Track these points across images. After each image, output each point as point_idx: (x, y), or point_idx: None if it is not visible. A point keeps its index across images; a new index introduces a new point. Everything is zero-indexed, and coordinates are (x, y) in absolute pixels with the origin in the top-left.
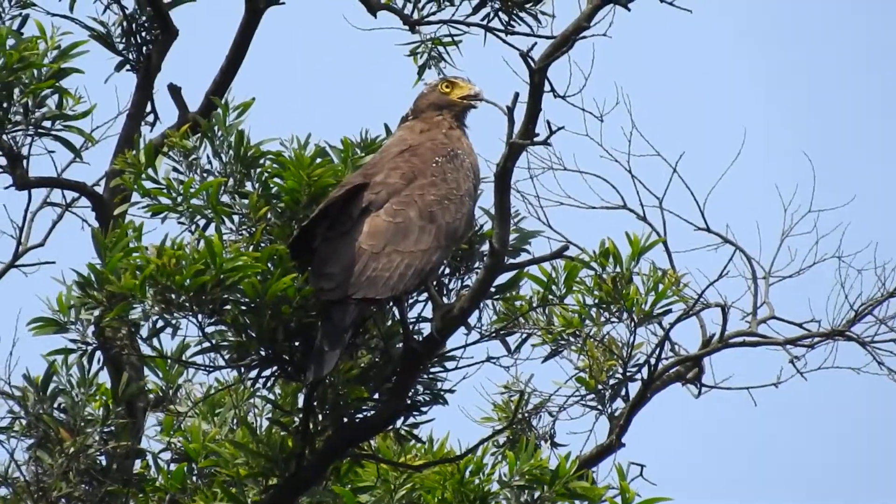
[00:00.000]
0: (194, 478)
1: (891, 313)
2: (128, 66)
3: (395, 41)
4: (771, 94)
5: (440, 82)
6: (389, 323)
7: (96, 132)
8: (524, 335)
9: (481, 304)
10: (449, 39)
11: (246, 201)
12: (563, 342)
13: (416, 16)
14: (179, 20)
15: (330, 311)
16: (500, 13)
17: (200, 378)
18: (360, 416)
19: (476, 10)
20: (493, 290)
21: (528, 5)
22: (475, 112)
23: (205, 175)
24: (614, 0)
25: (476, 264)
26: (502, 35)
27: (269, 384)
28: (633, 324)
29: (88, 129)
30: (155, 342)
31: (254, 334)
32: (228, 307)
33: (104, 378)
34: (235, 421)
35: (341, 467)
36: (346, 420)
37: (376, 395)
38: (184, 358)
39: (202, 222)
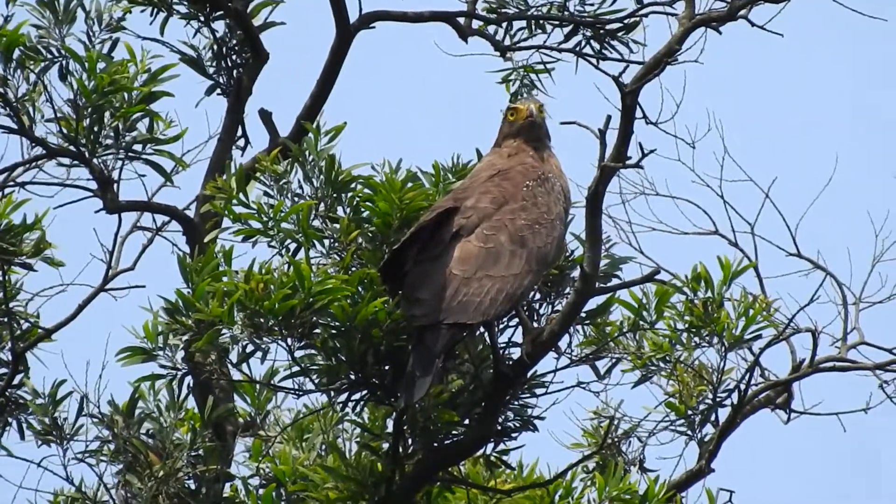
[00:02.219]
0: (283, 503)
1: None
2: (218, 90)
3: (487, 67)
4: (863, 119)
5: (507, 111)
6: (480, 347)
7: (187, 156)
8: (614, 360)
9: (571, 329)
10: (541, 66)
11: (336, 225)
12: (653, 367)
13: (507, 42)
14: (270, 44)
15: (421, 336)
16: (591, 41)
17: (289, 404)
18: (450, 440)
19: (568, 37)
20: (583, 314)
21: (619, 33)
22: (567, 136)
23: (295, 199)
24: (706, 24)
25: (566, 289)
26: (594, 61)
27: (358, 408)
28: (723, 349)
29: (179, 153)
30: (244, 367)
31: (343, 358)
32: (318, 331)
33: (192, 403)
34: (324, 446)
35: (431, 492)
36: (435, 444)
37: (466, 420)
38: (273, 382)
39: (293, 246)
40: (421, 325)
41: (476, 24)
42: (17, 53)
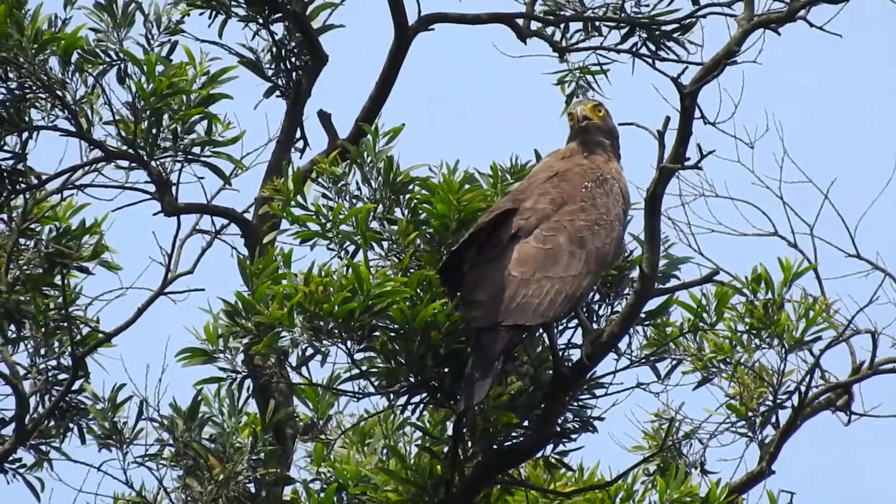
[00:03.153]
0: None
1: None
2: (277, 93)
3: (545, 69)
4: None
5: (568, 116)
6: (539, 349)
7: (246, 159)
8: (674, 361)
9: (631, 330)
10: (597, 68)
11: (395, 227)
12: (713, 369)
13: (564, 44)
14: (329, 46)
15: (480, 338)
16: (648, 42)
17: (350, 409)
18: (510, 442)
19: (624, 38)
20: (642, 315)
21: (676, 34)
22: (625, 137)
23: (354, 201)
24: (765, 25)
25: (626, 290)
26: (650, 62)
27: (417, 411)
28: (783, 350)
29: (238, 155)
30: (303, 370)
31: (403, 360)
32: (377, 333)
33: (252, 407)
34: (385, 450)
35: (491, 494)
36: (495, 447)
37: (526, 422)
38: (332, 386)
39: (351, 248)
40: (479, 328)
41: (534, 25)
42: (75, 57)
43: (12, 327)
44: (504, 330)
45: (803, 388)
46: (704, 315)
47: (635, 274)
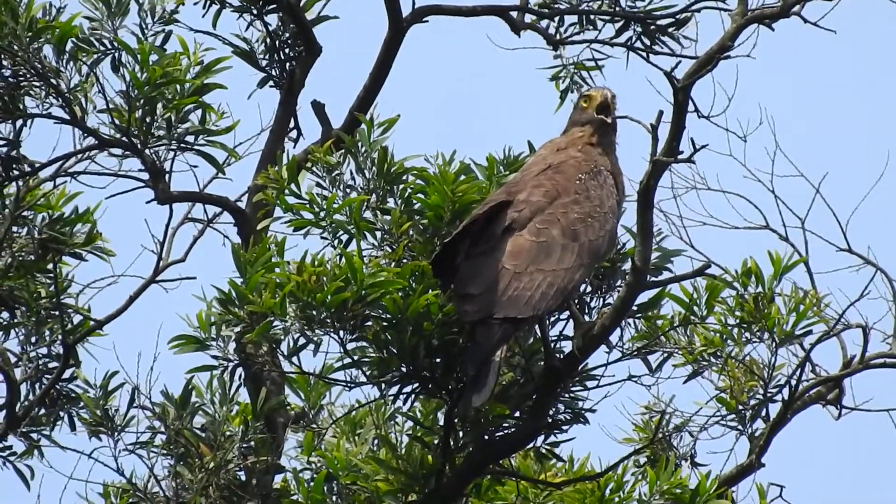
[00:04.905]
0: (334, 497)
1: None
2: (271, 83)
3: (539, 62)
4: None
5: (580, 98)
6: (531, 341)
7: (239, 148)
8: (665, 354)
9: (622, 323)
10: (591, 63)
11: (388, 217)
12: (704, 362)
13: (559, 37)
14: (323, 37)
15: (475, 332)
16: (642, 36)
17: (342, 400)
18: (501, 433)
19: (619, 33)
20: (634, 308)
21: (670, 29)
22: (619, 130)
23: (348, 191)
24: (759, 20)
25: (618, 282)
26: (645, 55)
27: (409, 401)
28: (774, 344)
29: (231, 144)
30: (296, 359)
31: (395, 350)
32: (370, 323)
33: (244, 395)
34: (376, 440)
35: (482, 484)
36: (486, 437)
37: (517, 413)
38: (325, 376)
39: (344, 238)
40: (472, 321)
41: (528, 18)
42: (69, 45)
43: (5, 314)
44: (497, 323)
45: (794, 382)
46: (695, 308)
47: (627, 267)
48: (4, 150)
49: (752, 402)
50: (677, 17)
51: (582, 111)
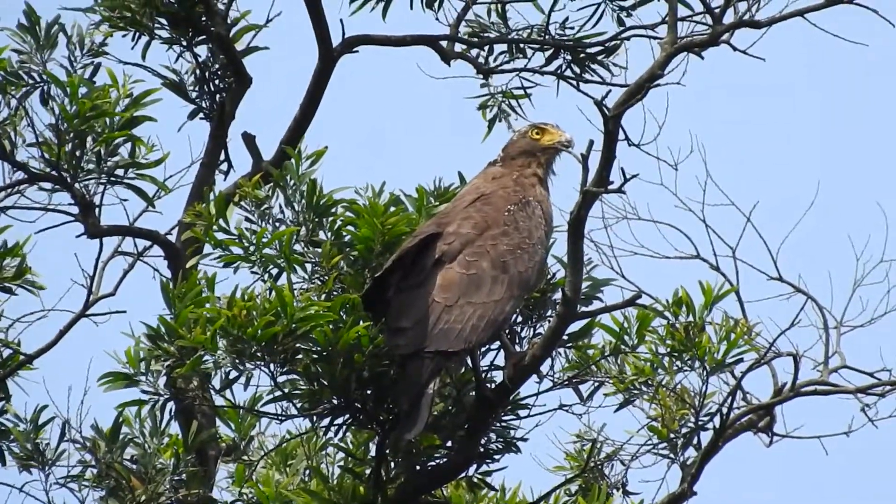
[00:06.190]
0: None
1: None
2: (201, 115)
3: (468, 92)
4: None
5: (530, 129)
6: (462, 371)
7: (170, 181)
8: (596, 384)
9: (553, 353)
10: (520, 91)
11: (319, 250)
12: (635, 391)
13: (489, 66)
14: (253, 68)
15: (406, 366)
16: (572, 64)
17: (273, 430)
18: (433, 463)
19: (549, 60)
20: (565, 338)
21: (600, 56)
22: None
23: (277, 224)
24: (688, 48)
25: (548, 312)
26: (575, 84)
27: (340, 433)
28: (705, 373)
29: (161, 177)
30: (227, 392)
31: (326, 383)
32: (300, 356)
33: (174, 428)
34: (308, 471)
35: None
36: (418, 468)
37: (449, 443)
38: (256, 408)
39: (275, 272)
40: (405, 355)
41: (459, 47)
42: None
43: None
44: (429, 357)
45: (725, 410)
46: (626, 337)
47: (558, 297)
48: None
49: (684, 430)
50: (607, 45)
51: (531, 141)
